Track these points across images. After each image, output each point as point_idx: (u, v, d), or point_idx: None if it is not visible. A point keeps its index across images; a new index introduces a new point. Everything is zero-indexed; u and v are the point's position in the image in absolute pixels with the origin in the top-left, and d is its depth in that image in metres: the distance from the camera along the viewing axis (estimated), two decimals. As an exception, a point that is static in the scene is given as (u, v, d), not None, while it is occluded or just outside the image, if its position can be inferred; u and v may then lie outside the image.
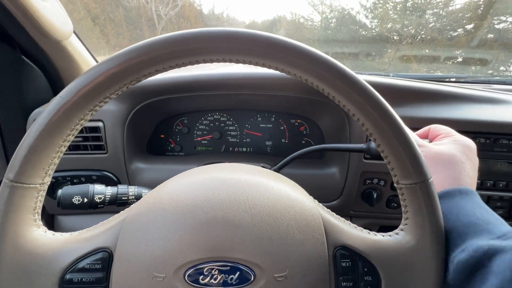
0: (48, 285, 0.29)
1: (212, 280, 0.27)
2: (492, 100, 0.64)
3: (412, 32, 8.40)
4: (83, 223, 0.60)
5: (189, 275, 0.27)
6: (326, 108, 0.63)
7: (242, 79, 0.62)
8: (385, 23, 9.20)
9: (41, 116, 0.27)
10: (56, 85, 0.66)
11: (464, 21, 6.67)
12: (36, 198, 0.29)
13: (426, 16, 7.91)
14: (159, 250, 0.28)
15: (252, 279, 0.27)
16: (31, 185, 0.28)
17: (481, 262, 0.29)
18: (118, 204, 0.45)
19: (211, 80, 0.62)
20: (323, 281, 0.29)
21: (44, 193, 0.30)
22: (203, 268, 0.27)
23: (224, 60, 0.28)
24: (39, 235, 0.29)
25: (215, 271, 0.27)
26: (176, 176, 0.36)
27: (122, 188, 0.45)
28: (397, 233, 0.31)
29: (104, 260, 0.28)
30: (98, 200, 0.43)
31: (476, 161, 0.43)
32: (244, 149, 0.76)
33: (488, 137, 0.58)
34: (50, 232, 0.31)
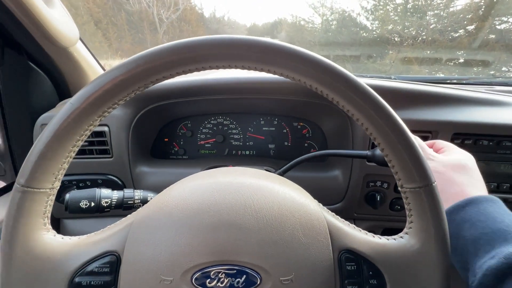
0: (58, 287, 0.30)
1: (219, 284, 0.27)
2: (494, 102, 0.64)
3: (413, 33, 8.39)
4: (88, 226, 0.60)
5: (196, 279, 0.27)
6: (329, 111, 0.64)
7: (244, 83, 0.62)
8: (386, 24, 9.21)
9: (51, 122, 0.28)
10: (61, 90, 0.67)
11: (466, 22, 6.67)
12: (46, 203, 0.29)
13: (427, 17, 7.91)
14: (166, 254, 0.28)
15: (258, 282, 0.27)
16: (41, 190, 0.28)
17: None
18: (124, 208, 0.45)
19: (214, 85, 0.62)
20: (328, 284, 0.29)
21: (54, 198, 0.30)
22: (210, 271, 0.27)
23: (230, 67, 0.28)
24: (48, 239, 0.30)
25: (221, 274, 0.27)
26: (182, 180, 0.37)
27: (128, 192, 0.46)
28: (401, 237, 0.31)
29: (112, 263, 0.29)
30: (105, 204, 0.43)
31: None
32: (247, 152, 0.75)
33: (491, 140, 0.58)
34: (59, 236, 0.31)
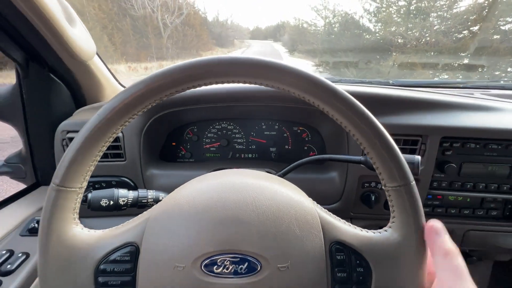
0: (85, 274, 0.34)
1: (224, 270, 0.30)
2: (481, 108, 0.66)
3: (417, 35, 8.38)
4: (101, 226, 0.65)
5: (205, 265, 0.30)
6: (326, 116, 0.67)
7: (247, 92, 0.66)
8: (389, 26, 9.20)
9: (81, 131, 0.32)
10: (78, 99, 0.71)
11: (469, 23, 6.65)
12: (75, 200, 0.33)
13: (430, 19, 7.90)
14: (179, 244, 0.32)
15: (258, 269, 0.30)
16: (72, 189, 0.32)
17: None
18: (138, 206, 0.50)
19: (219, 93, 0.66)
20: (320, 271, 0.32)
21: (82, 196, 0.35)
22: (217, 259, 0.30)
23: (234, 82, 0.33)
24: (77, 232, 0.34)
25: (227, 262, 0.30)
26: (191, 181, 0.41)
27: (142, 192, 0.50)
28: (385, 230, 0.35)
29: (132, 253, 0.32)
30: (122, 203, 0.48)
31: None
32: (250, 155, 0.78)
33: (478, 143, 0.61)
34: (86, 229, 0.35)
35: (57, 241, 0.32)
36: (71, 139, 0.62)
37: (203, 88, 0.69)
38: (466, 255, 0.74)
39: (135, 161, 0.64)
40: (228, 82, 0.32)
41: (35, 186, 0.71)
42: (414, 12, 8.45)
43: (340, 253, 0.33)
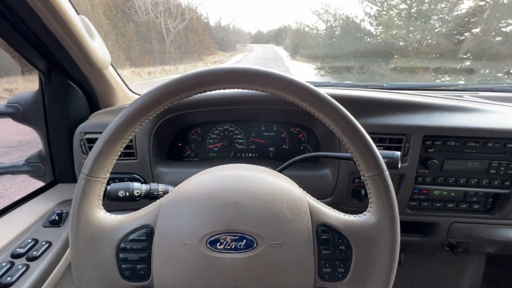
0: (109, 251, 0.39)
1: (226, 246, 0.35)
2: (461, 109, 0.71)
3: (418, 37, 8.41)
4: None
5: (210, 242, 0.35)
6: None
7: (247, 96, 0.72)
8: (390, 29, 9.24)
9: (106, 130, 0.38)
10: (93, 104, 0.77)
11: (471, 25, 6.68)
12: (100, 188, 0.39)
13: (431, 21, 7.93)
14: (187, 225, 0.37)
15: (255, 245, 0.35)
16: (98, 179, 0.38)
17: None
18: (150, 197, 0.55)
19: (221, 98, 0.72)
20: (308, 248, 0.37)
21: (105, 185, 0.41)
22: (219, 237, 0.36)
23: (234, 87, 0.38)
24: (102, 215, 0.39)
25: (228, 239, 0.36)
26: (198, 173, 0.44)
27: (154, 185, 0.56)
28: (364, 214, 0.40)
29: (147, 233, 0.38)
30: (136, 194, 0.53)
31: None
32: (250, 155, 0.83)
33: (457, 141, 0.65)
34: (109, 214, 0.41)
35: (85, 223, 0.37)
36: (88, 139, 0.68)
37: (207, 93, 0.75)
38: (453, 247, 0.79)
39: (145, 160, 0.70)
40: (243, 88, 0.38)
41: (53, 184, 0.77)
42: (415, 15, 8.49)
43: (325, 233, 0.38)
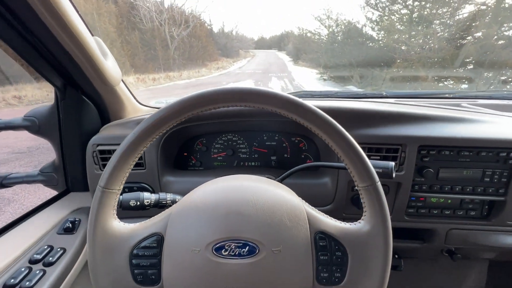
0: (123, 257, 0.41)
1: (230, 252, 0.38)
2: (456, 119, 0.71)
3: (420, 41, 8.42)
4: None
5: (215, 249, 0.38)
6: None
7: (250, 109, 0.75)
8: (392, 34, 9.27)
9: (120, 146, 0.41)
10: (104, 117, 0.80)
11: (473, 30, 6.69)
12: (115, 199, 0.42)
13: (433, 26, 7.95)
14: (195, 233, 0.40)
15: (257, 251, 0.38)
16: (113, 190, 0.41)
17: None
18: (159, 206, 0.59)
19: (226, 111, 0.75)
20: (306, 254, 0.39)
21: (119, 196, 0.44)
22: (224, 244, 0.38)
23: (237, 105, 0.42)
24: (116, 224, 0.43)
25: (232, 246, 0.38)
26: (204, 184, 0.47)
27: (162, 195, 0.59)
28: (359, 222, 0.42)
29: (158, 241, 0.40)
30: (146, 203, 0.57)
31: None
32: (253, 164, 0.86)
33: (452, 150, 0.67)
34: (122, 222, 0.44)
35: (101, 231, 0.41)
36: (100, 151, 0.72)
37: None
38: (452, 253, 0.81)
39: (154, 170, 0.74)
40: (245, 106, 0.41)
41: (66, 193, 0.81)
42: (417, 19, 8.51)
43: (323, 240, 0.41)
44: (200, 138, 0.86)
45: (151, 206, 0.55)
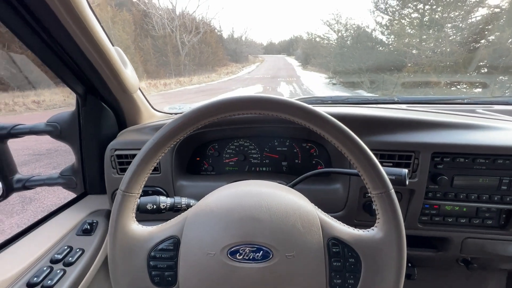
0: (141, 259, 0.41)
1: (245, 256, 0.39)
2: (470, 126, 0.70)
3: (431, 45, 8.28)
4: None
5: (230, 253, 0.39)
6: None
7: (261, 116, 0.76)
8: (402, 38, 9.16)
9: (141, 150, 0.43)
10: (121, 123, 0.83)
11: (486, 33, 6.54)
12: (134, 203, 0.44)
13: (445, 29, 7.81)
14: (210, 237, 0.40)
15: (271, 256, 0.39)
16: (132, 194, 0.43)
17: None
18: (174, 210, 0.60)
19: (239, 118, 0.77)
20: (319, 260, 0.40)
21: (138, 200, 0.46)
22: (239, 248, 0.39)
23: (251, 113, 0.43)
24: (135, 227, 0.44)
25: (247, 250, 0.39)
26: (218, 188, 0.48)
27: (177, 199, 0.61)
28: (372, 229, 0.42)
29: (175, 243, 0.42)
30: (162, 207, 0.59)
31: None
32: (264, 169, 0.87)
33: (466, 157, 0.67)
34: (140, 225, 0.46)
35: (121, 233, 0.43)
36: (118, 155, 0.75)
37: None
38: (467, 262, 0.79)
39: (168, 174, 0.76)
40: (262, 114, 0.42)
41: (83, 195, 0.84)
42: (428, 23, 8.40)
43: (336, 246, 0.41)
44: (212, 144, 0.87)
45: (166, 210, 0.57)
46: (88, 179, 0.83)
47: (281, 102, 0.41)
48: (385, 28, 10.01)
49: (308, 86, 11.82)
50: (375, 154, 0.45)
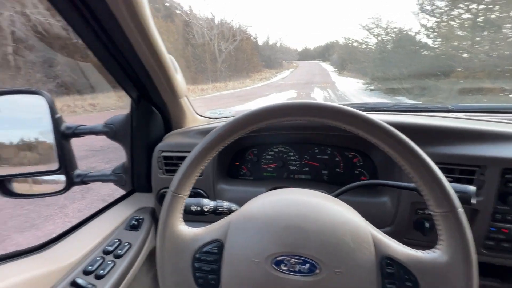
0: (187, 259, 0.42)
1: (290, 268, 0.37)
2: None
3: (486, 48, 7.49)
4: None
5: (275, 263, 0.38)
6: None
7: (303, 122, 0.76)
8: (451, 41, 8.43)
9: (191, 153, 0.44)
10: (167, 126, 0.86)
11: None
12: (182, 204, 0.46)
13: (503, 30, 7.03)
14: (254, 244, 0.39)
15: (317, 270, 0.37)
16: (181, 195, 0.44)
17: None
18: (216, 213, 0.62)
19: (281, 124, 0.77)
20: (371, 280, 0.37)
21: (185, 201, 0.48)
22: (284, 258, 0.38)
23: (301, 120, 0.42)
24: (183, 228, 0.45)
25: (292, 261, 0.37)
26: (261, 195, 0.47)
27: (219, 202, 0.58)
28: (434, 251, 0.37)
29: (219, 247, 0.42)
30: (206, 209, 0.60)
31: None
32: (303, 177, 0.84)
33: None
34: (187, 226, 0.48)
35: (170, 233, 0.44)
36: (165, 157, 0.79)
37: None
38: None
39: (209, 177, 0.78)
40: (308, 121, 0.41)
41: (131, 192, 0.90)
42: (482, 24, 7.63)
43: (390, 267, 0.37)
44: (252, 149, 0.88)
45: (209, 212, 0.58)
46: (136, 178, 0.88)
47: (333, 109, 0.40)
48: (431, 30, 9.32)
49: (344, 92, 11.44)
50: None
